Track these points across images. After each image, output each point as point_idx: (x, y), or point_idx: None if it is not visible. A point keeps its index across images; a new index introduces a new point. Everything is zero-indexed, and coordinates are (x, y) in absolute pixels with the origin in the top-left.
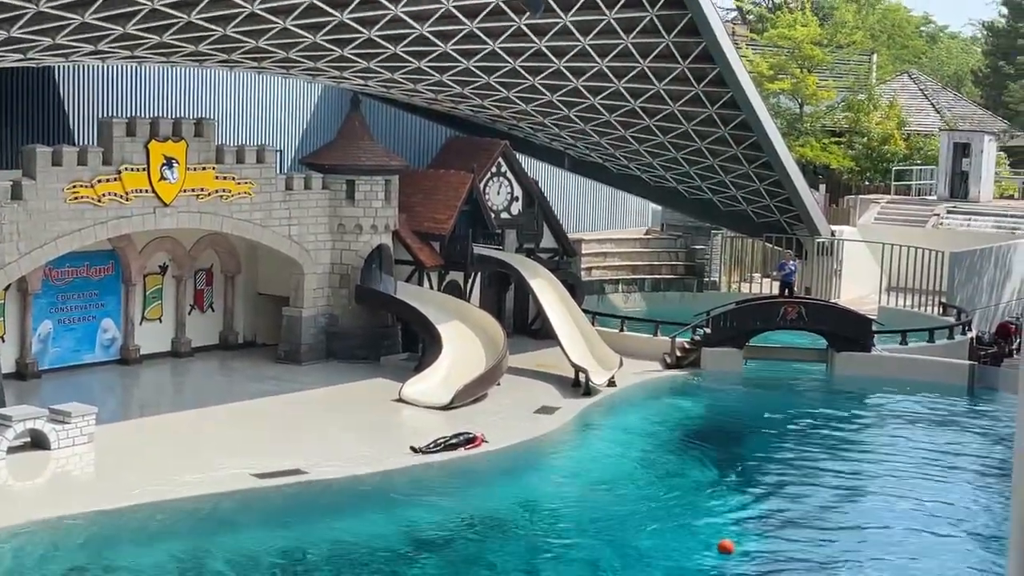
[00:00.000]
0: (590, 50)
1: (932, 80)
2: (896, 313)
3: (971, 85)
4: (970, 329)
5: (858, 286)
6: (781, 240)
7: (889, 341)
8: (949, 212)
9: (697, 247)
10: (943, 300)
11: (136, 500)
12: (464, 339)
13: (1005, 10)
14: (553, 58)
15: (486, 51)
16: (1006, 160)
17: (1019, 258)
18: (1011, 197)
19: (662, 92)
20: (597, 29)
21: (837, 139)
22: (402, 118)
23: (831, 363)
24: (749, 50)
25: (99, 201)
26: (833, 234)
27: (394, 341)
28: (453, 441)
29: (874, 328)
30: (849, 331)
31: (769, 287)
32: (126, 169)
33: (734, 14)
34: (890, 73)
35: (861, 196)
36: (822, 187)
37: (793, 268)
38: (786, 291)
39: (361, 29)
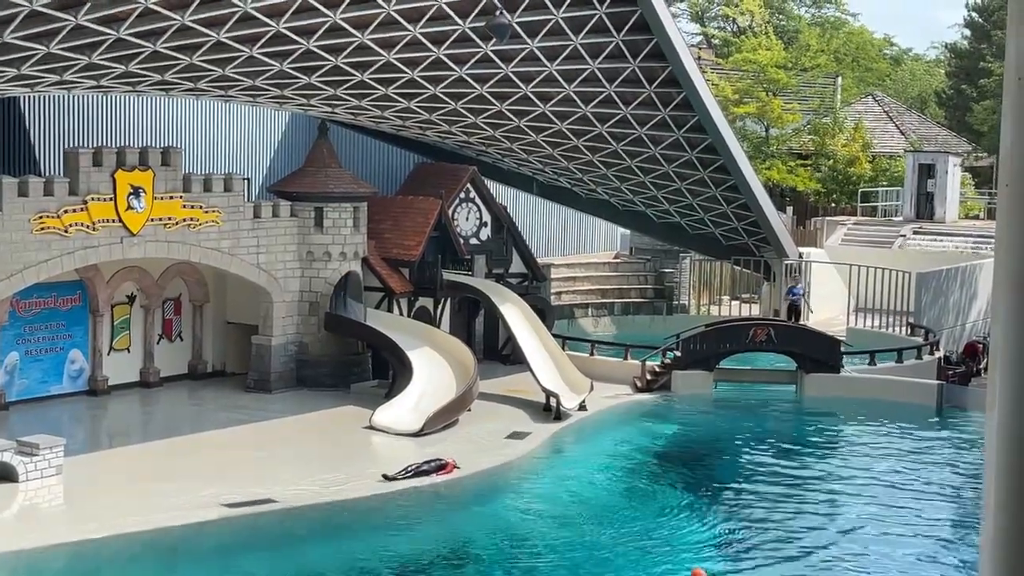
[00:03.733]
0: (557, 75)
1: (896, 102)
2: (864, 334)
3: (935, 106)
4: (938, 349)
5: (826, 307)
6: (749, 263)
7: (858, 362)
8: (915, 233)
9: (666, 270)
10: (911, 320)
11: (106, 532)
12: (434, 365)
13: (968, 32)
14: (520, 84)
15: (453, 77)
16: (971, 180)
17: (985, 278)
18: (976, 217)
19: (629, 117)
20: (563, 55)
21: (803, 161)
22: (370, 145)
23: (800, 384)
24: (714, 74)
25: (66, 232)
26: (801, 256)
27: (364, 368)
28: (425, 467)
29: (843, 349)
30: (818, 352)
31: (739, 309)
32: (93, 199)
33: (699, 39)
34: (855, 95)
35: (828, 218)
36: (789, 209)
37: (800, 292)
38: (793, 315)
39: (328, 57)
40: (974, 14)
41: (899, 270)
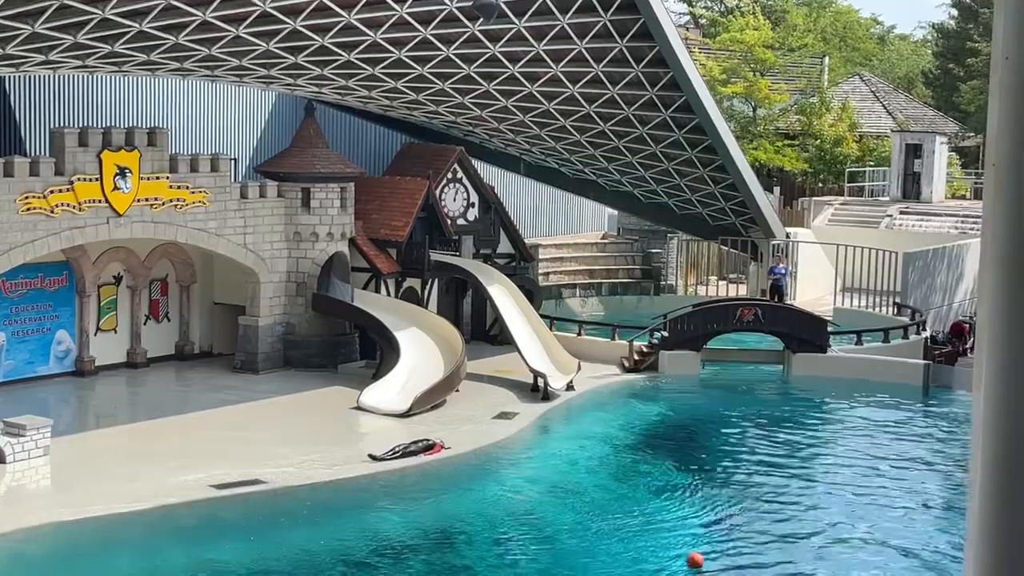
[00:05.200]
0: (544, 55)
1: (883, 82)
2: (851, 314)
3: (922, 87)
4: (924, 329)
5: (813, 287)
6: (737, 243)
7: (845, 342)
8: (902, 213)
9: (653, 251)
10: (897, 300)
11: (94, 512)
12: (422, 346)
13: (955, 12)
14: (507, 64)
15: (440, 57)
16: (958, 160)
17: (971, 258)
18: (963, 197)
19: (616, 97)
20: (551, 34)
21: (790, 141)
22: (357, 125)
23: (788, 364)
24: (702, 54)
25: (52, 212)
26: (788, 236)
27: (351, 349)
28: (412, 448)
29: (830, 329)
30: (805, 332)
31: (726, 290)
32: (79, 179)
33: (686, 18)
34: (842, 75)
35: (815, 198)
36: (776, 189)
37: (783, 271)
38: (776, 295)
39: (315, 36)
40: None
41: (886, 250)
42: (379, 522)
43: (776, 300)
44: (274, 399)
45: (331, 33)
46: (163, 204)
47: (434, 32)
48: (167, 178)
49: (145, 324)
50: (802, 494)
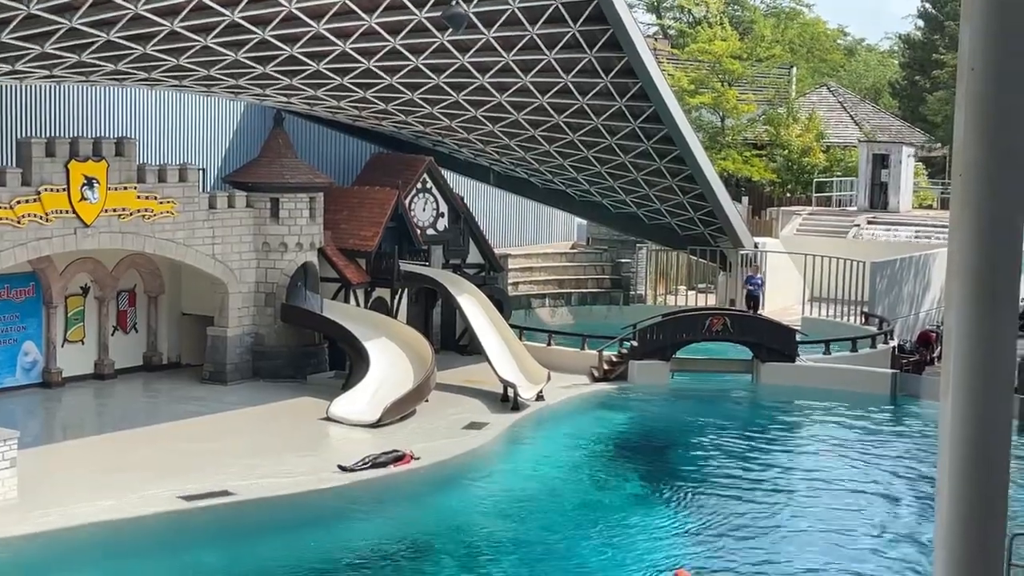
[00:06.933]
0: (513, 66)
1: (851, 92)
2: (819, 323)
3: (889, 97)
4: (892, 338)
5: (781, 297)
6: (706, 253)
7: (813, 351)
8: (869, 222)
9: (623, 261)
10: (865, 310)
11: (61, 525)
12: (392, 356)
13: (921, 23)
14: (476, 74)
15: (409, 67)
16: (924, 171)
17: (938, 267)
18: (930, 207)
19: (585, 107)
20: (520, 45)
21: (758, 152)
22: (326, 135)
23: (756, 374)
24: (670, 64)
25: (18, 223)
26: (756, 246)
27: (321, 359)
28: (382, 459)
29: (798, 338)
30: (774, 342)
31: (695, 299)
32: (46, 190)
33: (655, 29)
34: (809, 86)
35: (783, 208)
36: (745, 199)
37: (759, 281)
38: (752, 305)
39: (283, 46)
40: (927, 5)
41: (854, 259)
42: (348, 533)
43: (752, 310)
44: (243, 410)
45: (300, 43)
46: (131, 215)
47: (403, 42)
48: (135, 188)
49: (113, 335)
50: (773, 502)
